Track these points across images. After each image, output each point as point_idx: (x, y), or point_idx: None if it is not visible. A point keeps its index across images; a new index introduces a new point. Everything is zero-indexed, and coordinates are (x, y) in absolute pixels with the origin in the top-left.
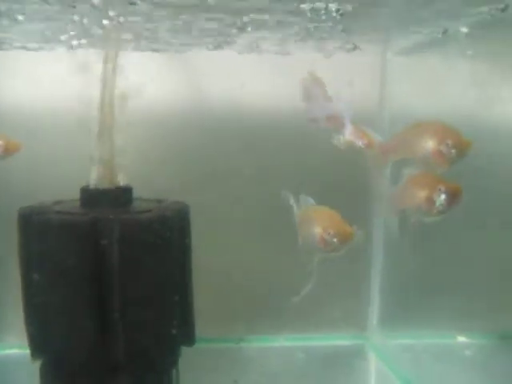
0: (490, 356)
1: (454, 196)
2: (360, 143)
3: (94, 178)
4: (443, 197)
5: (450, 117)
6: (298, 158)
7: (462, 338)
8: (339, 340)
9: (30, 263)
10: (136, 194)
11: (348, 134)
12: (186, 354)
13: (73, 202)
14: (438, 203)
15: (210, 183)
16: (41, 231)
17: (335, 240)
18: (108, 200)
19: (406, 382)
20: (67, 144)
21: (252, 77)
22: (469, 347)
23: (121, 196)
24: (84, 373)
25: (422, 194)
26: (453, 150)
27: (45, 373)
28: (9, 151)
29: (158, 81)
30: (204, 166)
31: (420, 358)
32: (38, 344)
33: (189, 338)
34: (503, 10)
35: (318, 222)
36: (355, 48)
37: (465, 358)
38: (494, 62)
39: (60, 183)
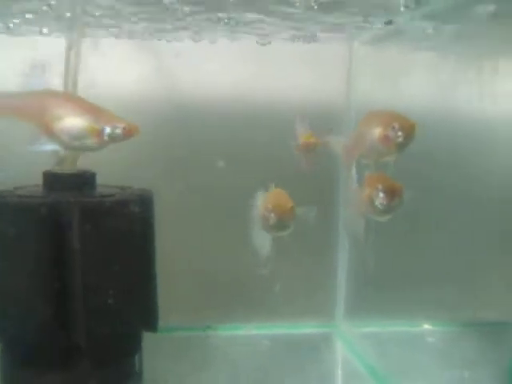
0: (452, 343)
1: (392, 195)
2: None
3: (57, 162)
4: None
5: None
6: (268, 150)
7: (427, 326)
8: (307, 328)
9: None
10: (102, 181)
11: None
12: (152, 341)
13: (35, 186)
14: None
15: (178, 172)
16: (1, 214)
17: (272, 215)
18: (70, 184)
19: (370, 368)
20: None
21: (225, 66)
22: (432, 335)
23: (83, 181)
24: (43, 358)
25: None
26: (399, 133)
27: (4, 357)
28: (130, 134)
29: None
30: (173, 155)
31: (385, 345)
32: None
33: (151, 324)
34: None
35: (267, 200)
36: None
37: (428, 345)
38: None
39: (24, 168)
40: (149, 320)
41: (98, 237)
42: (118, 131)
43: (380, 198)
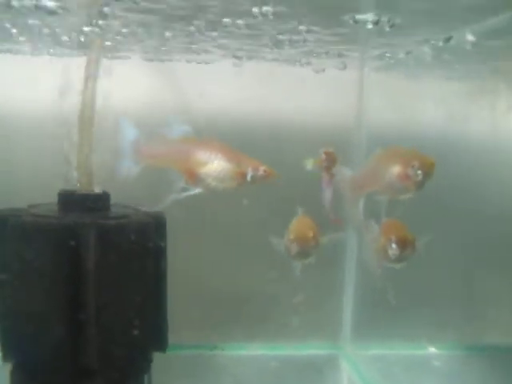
0: (458, 367)
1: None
2: None
3: (72, 183)
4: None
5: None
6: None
7: (432, 349)
8: (313, 349)
9: (4, 266)
10: (115, 200)
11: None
12: (160, 359)
13: (50, 205)
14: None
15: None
16: (15, 233)
17: (295, 245)
18: (85, 205)
19: None
20: (47, 148)
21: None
22: (438, 358)
23: (98, 201)
24: (55, 377)
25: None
26: (419, 172)
27: (15, 376)
28: (269, 176)
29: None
30: None
31: (390, 368)
32: (10, 347)
33: (161, 343)
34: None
35: (291, 229)
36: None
37: (433, 369)
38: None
39: (38, 187)
40: (159, 340)
41: (112, 258)
42: (260, 174)
43: (393, 249)
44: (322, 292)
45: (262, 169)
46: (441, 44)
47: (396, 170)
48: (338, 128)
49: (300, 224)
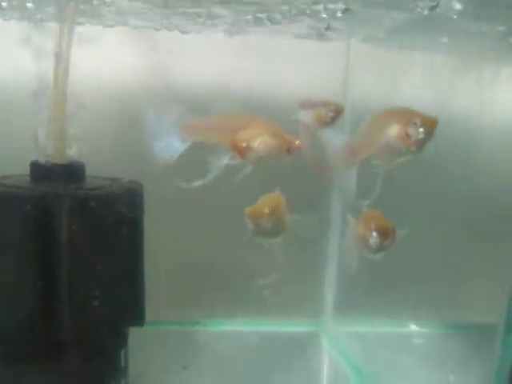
0: (438, 345)
1: (385, 235)
2: None
3: (45, 153)
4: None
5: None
6: None
7: (414, 327)
8: (294, 326)
9: None
10: (92, 172)
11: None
12: (140, 335)
13: (23, 176)
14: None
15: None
16: None
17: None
18: (59, 175)
19: (355, 367)
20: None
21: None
22: (419, 336)
23: (72, 172)
24: (29, 351)
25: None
26: (421, 129)
27: None
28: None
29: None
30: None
31: (371, 345)
32: None
33: (138, 318)
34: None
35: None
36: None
37: (414, 346)
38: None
39: (11, 158)
40: (135, 315)
41: (85, 230)
42: (296, 146)
43: (373, 238)
44: (304, 268)
45: (297, 142)
46: (426, 12)
47: (396, 128)
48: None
49: (262, 201)
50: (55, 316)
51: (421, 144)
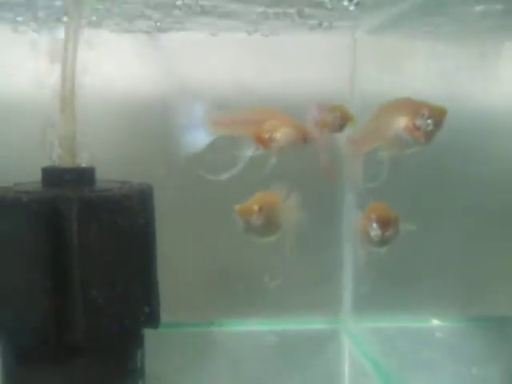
0: (460, 338)
1: (386, 226)
2: None
3: (55, 158)
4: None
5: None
6: None
7: (435, 322)
8: (313, 324)
9: None
10: (103, 176)
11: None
12: (156, 337)
13: (35, 183)
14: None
15: (183, 168)
16: None
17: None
18: (69, 180)
19: (375, 364)
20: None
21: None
22: (441, 330)
23: (82, 176)
24: (43, 354)
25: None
26: (429, 121)
27: (3, 353)
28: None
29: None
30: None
31: (392, 341)
32: None
33: (152, 319)
34: None
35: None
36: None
37: (435, 340)
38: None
39: (22, 165)
40: (150, 316)
41: (95, 232)
42: (311, 137)
43: (374, 229)
44: (322, 266)
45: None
46: None
47: (404, 120)
48: (331, 95)
49: (254, 198)
50: (68, 318)
51: (430, 135)
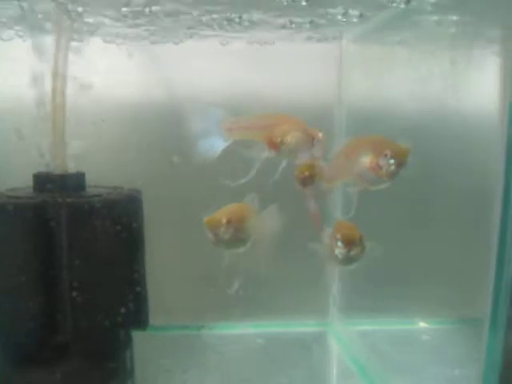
0: (446, 340)
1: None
2: None
3: (47, 165)
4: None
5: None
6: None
7: (423, 324)
8: (301, 327)
9: None
10: (95, 181)
11: None
12: (145, 339)
13: (27, 188)
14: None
15: (172, 172)
16: None
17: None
18: (60, 185)
19: (361, 366)
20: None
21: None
22: (428, 332)
23: (73, 181)
24: (32, 355)
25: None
26: (392, 161)
27: None
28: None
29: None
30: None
31: (379, 343)
32: None
33: (141, 321)
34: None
35: None
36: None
37: (422, 342)
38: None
39: (15, 172)
40: (138, 318)
41: (84, 236)
42: (320, 139)
43: (339, 248)
44: (310, 270)
45: (320, 135)
46: (403, 6)
47: (367, 159)
48: (318, 103)
49: (223, 210)
50: (57, 320)
51: (392, 174)
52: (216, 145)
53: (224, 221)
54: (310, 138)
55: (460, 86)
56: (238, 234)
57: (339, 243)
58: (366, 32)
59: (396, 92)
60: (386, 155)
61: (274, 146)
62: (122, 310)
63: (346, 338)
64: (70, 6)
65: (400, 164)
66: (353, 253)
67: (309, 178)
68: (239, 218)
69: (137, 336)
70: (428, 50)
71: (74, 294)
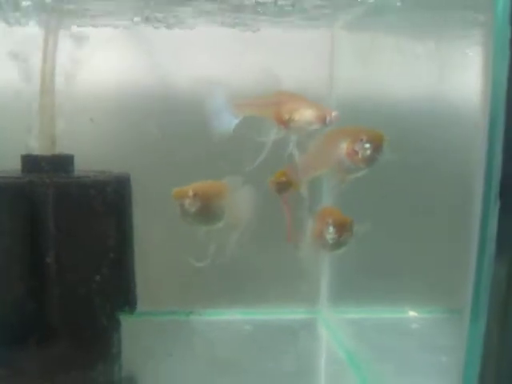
0: (435, 329)
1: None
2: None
3: (35, 146)
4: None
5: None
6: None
7: (412, 313)
8: (290, 314)
9: None
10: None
11: None
12: (134, 324)
13: (15, 170)
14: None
15: (165, 159)
16: None
17: None
18: (47, 167)
19: (349, 354)
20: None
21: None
22: (417, 321)
23: (61, 163)
24: (20, 337)
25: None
26: (367, 145)
27: None
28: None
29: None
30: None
31: (368, 331)
32: None
33: (129, 304)
34: None
35: None
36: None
37: (411, 331)
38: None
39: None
40: (126, 301)
41: (71, 216)
42: (333, 118)
43: (330, 233)
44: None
45: (334, 114)
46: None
47: (343, 146)
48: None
49: (195, 184)
50: (44, 301)
51: (369, 160)
52: (227, 122)
53: (190, 193)
54: (321, 117)
55: (450, 74)
56: (205, 208)
57: (331, 228)
58: (355, 19)
59: (381, 76)
60: (361, 140)
61: (283, 123)
62: (110, 292)
63: (335, 325)
64: None
65: (376, 148)
66: (343, 238)
67: (284, 184)
68: (207, 193)
69: (125, 322)
70: (418, 36)
71: (60, 276)
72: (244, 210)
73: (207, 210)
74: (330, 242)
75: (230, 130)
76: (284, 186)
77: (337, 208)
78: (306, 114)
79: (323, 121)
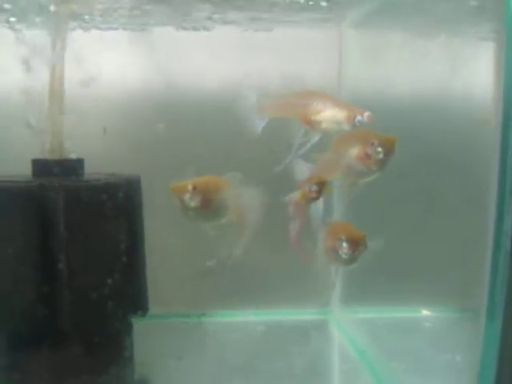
0: (448, 328)
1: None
2: None
3: (46, 150)
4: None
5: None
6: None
7: (425, 312)
8: (303, 315)
9: None
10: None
11: None
12: (146, 327)
13: (26, 174)
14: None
15: (172, 160)
16: None
17: None
18: (58, 171)
19: (361, 353)
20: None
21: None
22: (430, 320)
23: (71, 167)
24: (31, 341)
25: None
26: (379, 149)
27: None
28: (370, 120)
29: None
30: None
31: (380, 331)
32: None
33: (140, 307)
34: None
35: None
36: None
37: (423, 330)
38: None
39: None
40: (137, 304)
41: (82, 220)
42: (365, 118)
43: (344, 249)
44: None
45: (366, 114)
46: None
47: (355, 150)
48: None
49: (196, 178)
50: (55, 305)
51: (381, 163)
52: (258, 123)
53: (190, 187)
54: (349, 117)
55: (461, 69)
56: (205, 202)
57: (344, 244)
58: (365, 16)
59: (389, 73)
60: (373, 144)
61: (310, 124)
62: (122, 295)
63: (347, 326)
64: None
65: (388, 152)
66: (357, 253)
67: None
68: (207, 186)
69: (137, 325)
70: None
71: (72, 278)
72: (248, 210)
73: (208, 205)
74: (344, 257)
75: (257, 132)
76: (321, 189)
77: (345, 222)
78: (332, 115)
79: (350, 122)
